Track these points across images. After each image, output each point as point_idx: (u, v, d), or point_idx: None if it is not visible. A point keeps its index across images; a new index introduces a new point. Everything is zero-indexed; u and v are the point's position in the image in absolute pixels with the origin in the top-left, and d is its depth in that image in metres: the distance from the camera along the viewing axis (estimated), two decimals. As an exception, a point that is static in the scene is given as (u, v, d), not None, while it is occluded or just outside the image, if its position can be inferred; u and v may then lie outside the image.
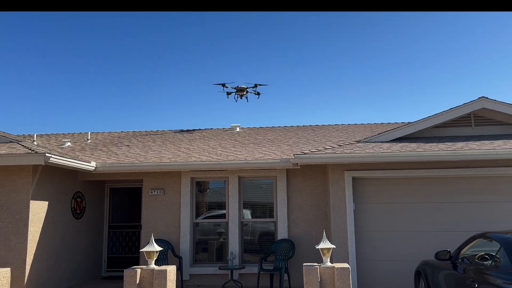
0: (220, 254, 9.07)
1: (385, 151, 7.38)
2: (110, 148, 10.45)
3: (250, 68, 27.52)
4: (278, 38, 26.86)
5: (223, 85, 13.37)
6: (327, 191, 8.37)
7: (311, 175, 8.77)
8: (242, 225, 9.01)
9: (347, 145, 8.18)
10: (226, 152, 9.29)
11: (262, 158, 8.38)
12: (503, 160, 7.26)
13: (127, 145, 10.77)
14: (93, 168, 8.49)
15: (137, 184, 9.78)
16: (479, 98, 8.09)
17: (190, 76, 28.32)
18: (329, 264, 5.59)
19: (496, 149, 6.97)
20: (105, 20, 24.82)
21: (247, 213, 9.14)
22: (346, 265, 5.54)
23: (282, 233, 8.66)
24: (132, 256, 10.14)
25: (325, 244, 5.74)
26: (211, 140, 11.01)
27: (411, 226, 7.70)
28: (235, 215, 8.85)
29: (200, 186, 9.36)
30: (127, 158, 9.16)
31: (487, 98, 8.05)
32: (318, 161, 7.53)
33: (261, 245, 9.07)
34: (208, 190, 9.50)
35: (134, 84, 28.21)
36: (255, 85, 13.54)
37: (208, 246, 9.21)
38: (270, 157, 8.51)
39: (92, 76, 27.44)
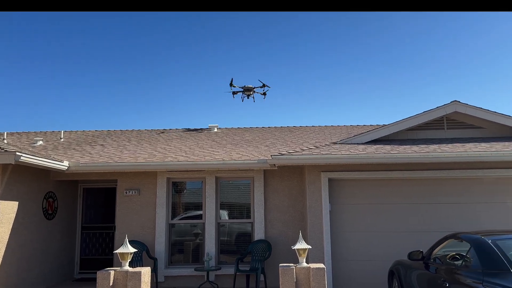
0: (196, 255, 8.99)
1: (360, 152, 7.48)
2: (84, 147, 10.21)
3: (251, 67, 27.53)
4: (277, 36, 26.93)
5: (231, 83, 13.19)
6: (303, 192, 8.42)
7: (288, 176, 8.81)
8: (219, 226, 8.96)
9: (324, 147, 8.26)
10: (203, 152, 9.22)
11: (240, 159, 8.36)
12: (474, 163, 7.46)
13: (101, 144, 10.55)
14: (66, 167, 8.28)
15: (111, 184, 9.59)
16: (451, 101, 8.31)
17: (191, 75, 28.23)
18: (305, 264, 5.62)
19: (468, 152, 7.16)
20: (89, 19, 24.42)
21: (224, 214, 9.10)
22: (321, 265, 5.58)
23: (259, 234, 8.67)
24: (105, 257, 9.94)
25: (301, 245, 5.76)
26: (188, 140, 10.91)
27: (386, 226, 7.82)
28: (211, 216, 8.79)
29: (176, 187, 9.26)
30: (101, 157, 8.97)
31: (459, 102, 8.28)
32: (295, 162, 7.57)
33: (238, 246, 9.04)
34: (185, 191, 9.41)
35: (134, 83, 28.01)
36: (263, 85, 13.35)
37: (184, 247, 9.12)
38: (248, 157, 8.50)
39: (92, 76, 27.10)
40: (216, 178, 8.94)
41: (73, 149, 10.07)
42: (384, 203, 7.92)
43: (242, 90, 13.34)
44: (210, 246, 8.69)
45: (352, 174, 7.86)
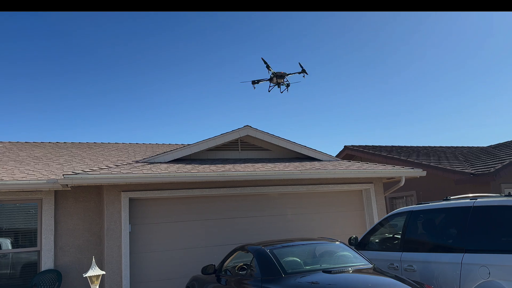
0: (-39, 297, 7.34)
1: (162, 172, 7.53)
2: None
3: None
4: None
5: (268, 66, 10.44)
6: (102, 214, 7.92)
7: (84, 197, 8.14)
8: (-5, 258, 7.56)
9: (125, 165, 8.00)
10: (-25, 171, 7.70)
11: (24, 179, 7.28)
12: (262, 181, 8.43)
13: None
14: None
15: None
16: (244, 126, 9.25)
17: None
18: (97, 292, 5.26)
19: (256, 171, 8.05)
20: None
21: (7, 243, 7.74)
22: (116, 291, 5.32)
23: (47, 263, 7.68)
24: None
25: (93, 271, 5.40)
26: (-45, 155, 8.95)
27: (188, 243, 8.02)
28: (-16, 247, 7.36)
29: None
30: None
31: (251, 126, 9.29)
32: (92, 181, 7.07)
33: (24, 278, 7.79)
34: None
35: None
36: (303, 70, 10.55)
37: None
38: (35, 177, 7.49)
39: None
40: (-7, 201, 7.56)
41: None
42: (184, 221, 8.14)
43: (273, 77, 10.55)
44: (-20, 284, 7.23)
45: (154, 193, 7.83)
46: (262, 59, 10.43)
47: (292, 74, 10.76)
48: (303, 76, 10.78)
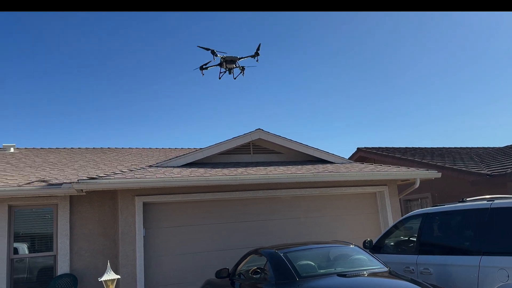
0: (-20, 301, 7.47)
1: (175, 176, 7.57)
2: None
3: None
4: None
5: (213, 51, 9.16)
6: (116, 218, 8.00)
7: (99, 202, 8.23)
8: (13, 262, 7.68)
9: (138, 170, 8.07)
10: (-8, 177, 7.85)
11: (40, 184, 7.41)
12: (274, 184, 8.42)
13: None
14: None
15: None
16: (256, 129, 9.26)
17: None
18: (112, 296, 5.30)
19: (268, 174, 8.04)
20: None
21: (24, 247, 7.87)
22: (131, 295, 5.36)
23: (63, 268, 7.78)
24: None
25: (109, 276, 5.43)
26: (-27, 162, 9.14)
27: (201, 247, 8.03)
28: (2, 252, 7.48)
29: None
30: None
31: (263, 130, 9.29)
32: (106, 186, 7.15)
33: (41, 282, 7.91)
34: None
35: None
36: (256, 53, 9.41)
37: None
38: (51, 182, 7.61)
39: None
40: (10, 207, 7.69)
41: None
42: (197, 224, 8.16)
43: (222, 61, 9.35)
44: (-1, 288, 7.35)
45: (167, 197, 7.87)
46: (199, 46, 9.31)
47: (244, 58, 9.70)
48: (257, 60, 9.78)
